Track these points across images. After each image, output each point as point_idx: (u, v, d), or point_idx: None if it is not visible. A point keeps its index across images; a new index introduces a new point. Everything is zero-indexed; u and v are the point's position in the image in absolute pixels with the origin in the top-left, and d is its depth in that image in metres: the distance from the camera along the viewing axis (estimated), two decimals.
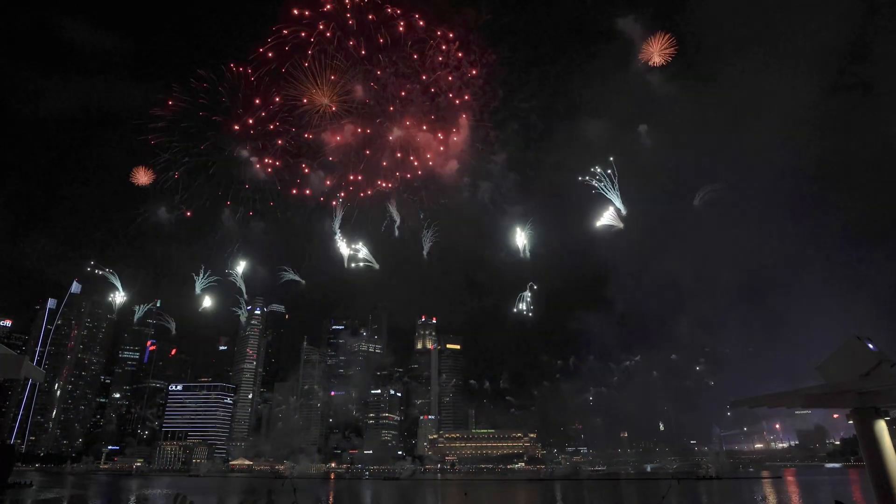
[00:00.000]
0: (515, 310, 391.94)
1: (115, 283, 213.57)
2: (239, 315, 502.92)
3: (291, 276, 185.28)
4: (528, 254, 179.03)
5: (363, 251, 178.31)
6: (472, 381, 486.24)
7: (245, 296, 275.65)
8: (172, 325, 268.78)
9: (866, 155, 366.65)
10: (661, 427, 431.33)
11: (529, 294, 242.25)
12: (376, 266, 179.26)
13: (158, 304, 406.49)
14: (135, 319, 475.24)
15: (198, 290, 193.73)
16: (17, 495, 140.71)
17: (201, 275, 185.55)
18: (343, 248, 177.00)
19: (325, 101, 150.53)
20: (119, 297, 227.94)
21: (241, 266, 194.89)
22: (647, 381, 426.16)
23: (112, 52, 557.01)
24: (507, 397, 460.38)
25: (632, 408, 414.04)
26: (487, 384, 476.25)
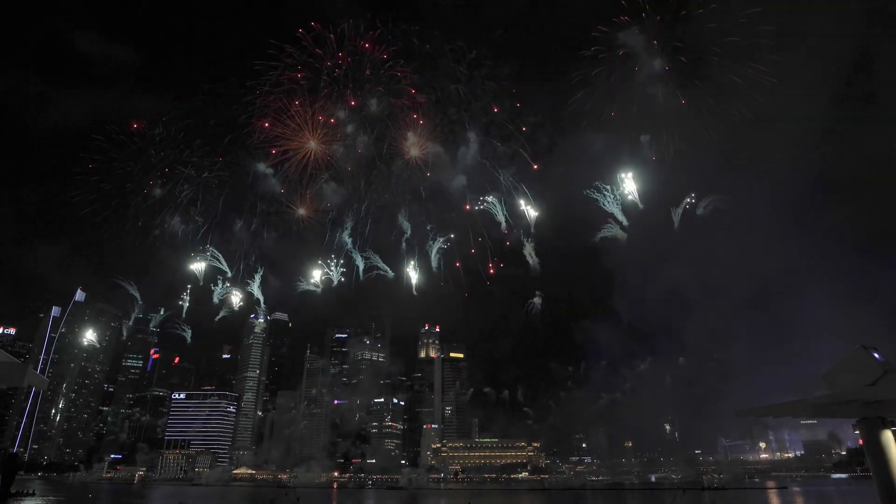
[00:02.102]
0: (522, 319, 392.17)
1: (135, 293, 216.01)
2: (255, 325, 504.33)
3: (306, 285, 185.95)
4: (537, 266, 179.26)
5: (375, 259, 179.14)
6: (486, 390, 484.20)
7: (263, 306, 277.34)
8: (188, 334, 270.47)
9: (872, 165, 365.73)
10: (674, 435, 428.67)
11: (536, 303, 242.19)
12: (391, 274, 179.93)
13: (162, 312, 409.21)
14: (150, 327, 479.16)
15: (215, 300, 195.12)
16: None
17: (219, 285, 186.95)
18: (357, 258, 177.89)
19: (344, 115, 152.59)
20: (136, 307, 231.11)
21: (258, 276, 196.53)
22: (652, 390, 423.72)
23: (122, 64, 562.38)
24: (525, 408, 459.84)
25: (636, 417, 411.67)
26: (507, 393, 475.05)
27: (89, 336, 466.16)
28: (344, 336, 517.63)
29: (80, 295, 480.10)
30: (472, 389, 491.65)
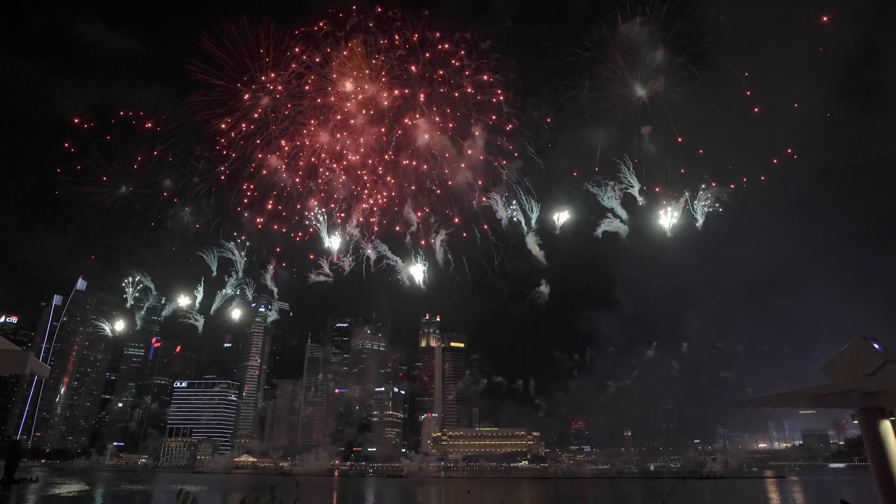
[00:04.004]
0: (525, 309, 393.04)
1: (149, 284, 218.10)
2: (261, 315, 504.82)
3: (317, 277, 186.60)
4: (540, 257, 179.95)
5: (383, 250, 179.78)
6: (498, 379, 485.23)
7: (276, 297, 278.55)
8: (200, 323, 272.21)
9: (875, 156, 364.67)
10: (674, 424, 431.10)
11: (543, 293, 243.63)
12: (400, 265, 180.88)
13: (164, 301, 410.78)
14: (161, 316, 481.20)
15: (229, 293, 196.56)
16: (23, 491, 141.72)
17: (232, 277, 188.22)
18: (368, 249, 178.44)
19: (353, 108, 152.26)
20: (151, 296, 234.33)
21: (270, 268, 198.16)
22: (654, 380, 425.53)
23: (124, 53, 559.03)
24: (537, 401, 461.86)
25: (636, 407, 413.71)
26: (521, 383, 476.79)
27: (105, 326, 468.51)
28: (345, 325, 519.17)
29: (81, 284, 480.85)
30: (485, 380, 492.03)
